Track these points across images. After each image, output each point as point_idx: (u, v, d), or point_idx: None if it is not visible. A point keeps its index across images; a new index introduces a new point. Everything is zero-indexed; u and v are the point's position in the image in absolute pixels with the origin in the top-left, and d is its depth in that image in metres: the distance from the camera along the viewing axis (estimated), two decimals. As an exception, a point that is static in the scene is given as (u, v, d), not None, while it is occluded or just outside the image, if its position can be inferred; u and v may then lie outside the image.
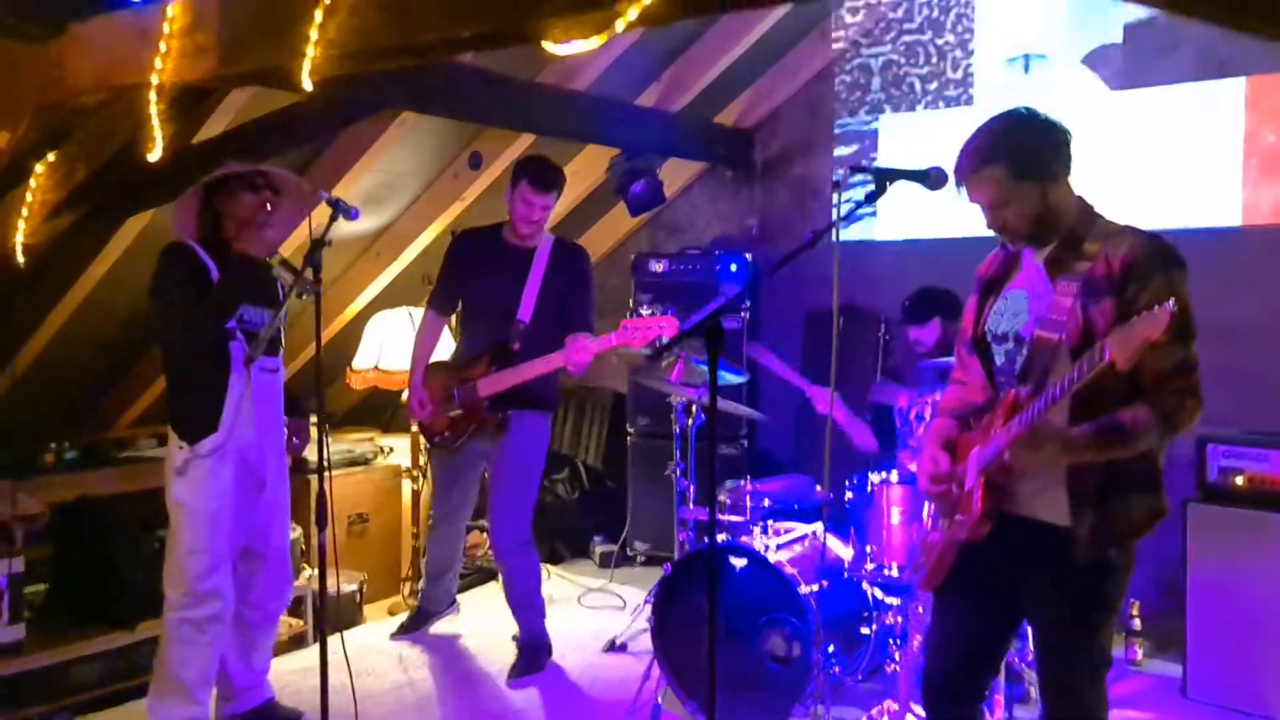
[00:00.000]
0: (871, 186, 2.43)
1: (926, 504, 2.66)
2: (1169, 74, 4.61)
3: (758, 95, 5.63)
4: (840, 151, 5.52)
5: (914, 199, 5.17)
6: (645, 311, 4.08)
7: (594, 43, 2.28)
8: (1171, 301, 1.94)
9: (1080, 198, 2.38)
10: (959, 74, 5.14)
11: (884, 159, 5.35)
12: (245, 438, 3.41)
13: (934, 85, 5.21)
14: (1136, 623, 4.16)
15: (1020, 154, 2.27)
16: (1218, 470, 3.82)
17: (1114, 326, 2.17)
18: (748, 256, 5.48)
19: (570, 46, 2.33)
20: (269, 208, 3.36)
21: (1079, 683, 2.37)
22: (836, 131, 5.53)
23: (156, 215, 4.02)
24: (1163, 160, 4.63)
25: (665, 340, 3.81)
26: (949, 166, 2.39)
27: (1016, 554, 2.38)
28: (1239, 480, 3.78)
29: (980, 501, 2.33)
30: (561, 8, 2.20)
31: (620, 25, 2.16)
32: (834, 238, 2.27)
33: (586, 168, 5.47)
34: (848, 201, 2.38)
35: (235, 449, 3.39)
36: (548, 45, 2.36)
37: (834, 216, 2.25)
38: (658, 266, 5.53)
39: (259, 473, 3.48)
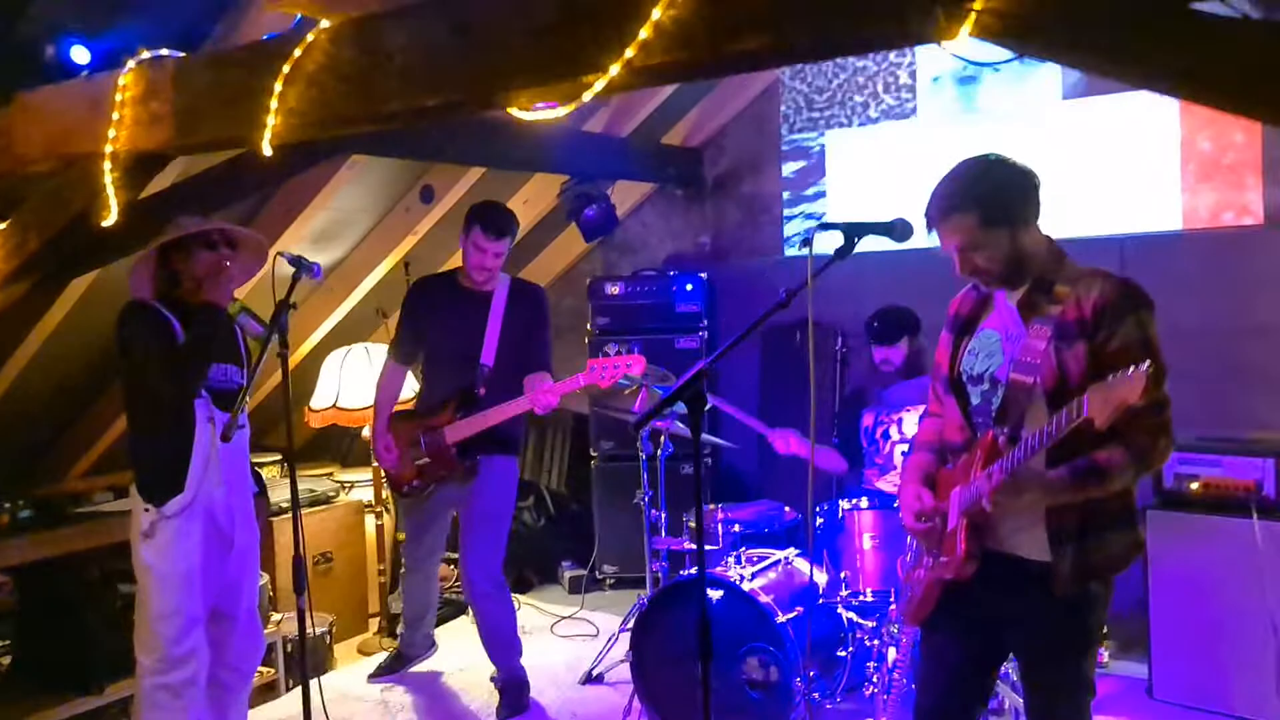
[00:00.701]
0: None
1: (909, 538, 2.69)
2: (1108, 84, 4.71)
3: (704, 114, 5.67)
4: (789, 167, 5.58)
5: (867, 211, 5.29)
6: (610, 350, 4.07)
7: (560, 111, 2.28)
8: (1147, 364, 2.00)
9: (1049, 239, 2.43)
10: (903, 88, 5.21)
11: (832, 175, 5.42)
12: (213, 497, 3.35)
13: (879, 100, 5.28)
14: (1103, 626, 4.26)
15: (990, 202, 2.31)
16: (1174, 477, 3.93)
17: (1087, 370, 2.24)
18: (703, 276, 5.51)
19: (538, 114, 2.33)
20: (226, 264, 3.33)
21: (1063, 711, 2.44)
22: (784, 148, 5.59)
23: (102, 273, 3.95)
24: (1105, 168, 4.74)
25: (636, 379, 3.84)
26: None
27: (1000, 588, 2.43)
28: (1194, 486, 3.88)
29: (964, 543, 2.38)
30: (529, 80, 2.20)
31: (588, 96, 2.16)
32: (809, 293, 2.27)
33: (537, 194, 5.47)
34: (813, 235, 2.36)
35: (203, 508, 3.32)
36: (515, 112, 2.35)
37: (808, 273, 2.26)
38: (614, 289, 5.54)
39: (227, 532, 3.42)
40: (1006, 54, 4.90)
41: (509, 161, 4.72)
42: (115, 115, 2.81)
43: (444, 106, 2.37)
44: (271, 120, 2.57)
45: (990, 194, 2.32)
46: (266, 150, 2.67)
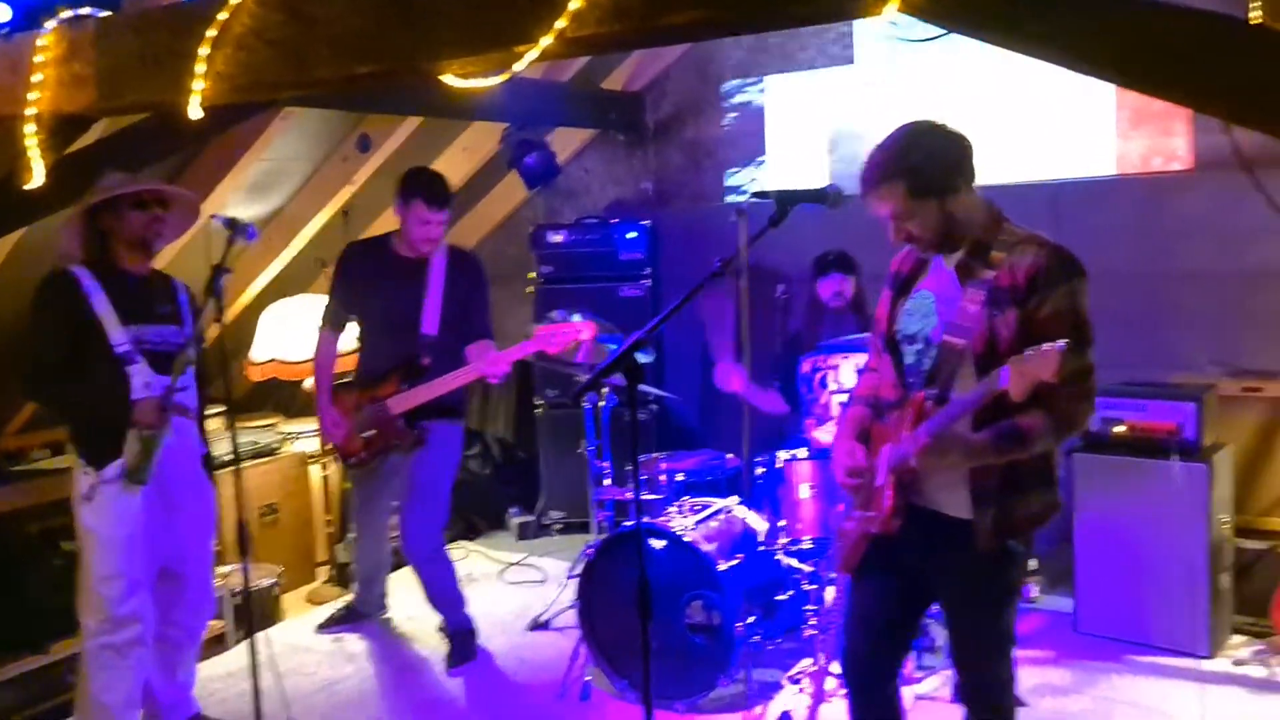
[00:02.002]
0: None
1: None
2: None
3: (645, 58, 5.62)
4: (731, 115, 5.57)
5: (806, 156, 5.30)
6: (556, 316, 4.06)
7: (493, 80, 2.27)
8: (1063, 342, 2.06)
9: (988, 203, 2.46)
10: (841, 34, 5.20)
11: (771, 120, 5.42)
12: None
13: (817, 45, 5.27)
14: (1033, 563, 4.42)
15: (918, 171, 2.34)
16: (1100, 420, 4.05)
17: (1016, 336, 2.30)
18: (646, 223, 5.51)
19: (471, 82, 2.31)
20: (158, 224, 3.28)
21: (988, 660, 2.56)
22: (725, 91, 5.57)
23: (29, 229, 3.86)
24: (1041, 114, 4.78)
25: (586, 356, 3.86)
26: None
27: (925, 542, 2.52)
28: (1119, 429, 4.01)
29: (891, 499, 2.46)
30: (460, 50, 2.18)
31: (520, 66, 2.15)
32: (743, 263, 2.30)
33: (476, 142, 5.41)
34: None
35: None
36: (447, 80, 2.33)
37: (739, 244, 2.28)
38: (557, 237, 5.52)
39: (172, 493, 3.41)
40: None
41: (447, 110, 4.65)
42: (36, 77, 2.73)
43: (375, 74, 2.34)
44: (199, 84, 2.52)
45: (919, 164, 2.34)
46: (195, 114, 2.62)
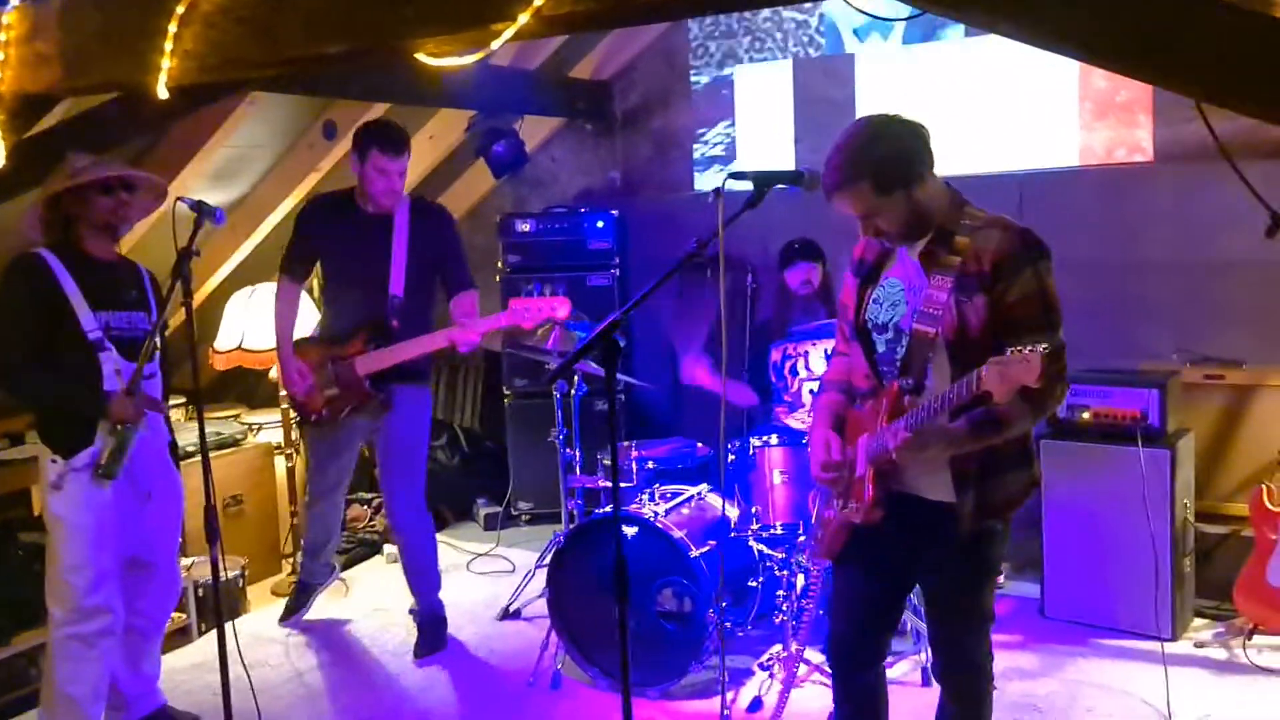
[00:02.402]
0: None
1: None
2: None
3: (613, 47, 5.60)
4: (700, 104, 5.57)
5: (770, 149, 5.32)
6: (532, 291, 4.06)
7: (467, 59, 2.25)
8: (1043, 347, 2.06)
9: (947, 186, 2.47)
10: (812, 23, 5.22)
11: (741, 109, 5.43)
12: None
13: (786, 34, 5.28)
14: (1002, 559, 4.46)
15: (881, 169, 2.32)
16: (1066, 407, 4.09)
17: (987, 322, 2.31)
18: (614, 213, 5.50)
19: (445, 61, 2.29)
20: (124, 208, 3.23)
21: (966, 638, 2.59)
22: (693, 81, 5.57)
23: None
24: (1005, 105, 4.82)
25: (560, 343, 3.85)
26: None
27: (906, 527, 2.53)
28: (1085, 415, 4.06)
29: (872, 490, 2.47)
30: (436, 28, 2.16)
31: (496, 44, 2.14)
32: (719, 244, 2.30)
33: (443, 130, 5.38)
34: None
35: None
36: (422, 58, 2.31)
37: (718, 224, 2.28)
38: (524, 226, 5.49)
39: (141, 482, 3.36)
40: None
41: (414, 97, 4.61)
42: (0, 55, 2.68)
43: (348, 53, 2.31)
44: (166, 63, 2.48)
45: (880, 161, 2.33)
46: (162, 93, 2.58)
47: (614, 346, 2.17)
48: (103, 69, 2.60)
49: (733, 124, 5.47)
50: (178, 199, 2.95)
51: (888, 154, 2.34)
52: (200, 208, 2.95)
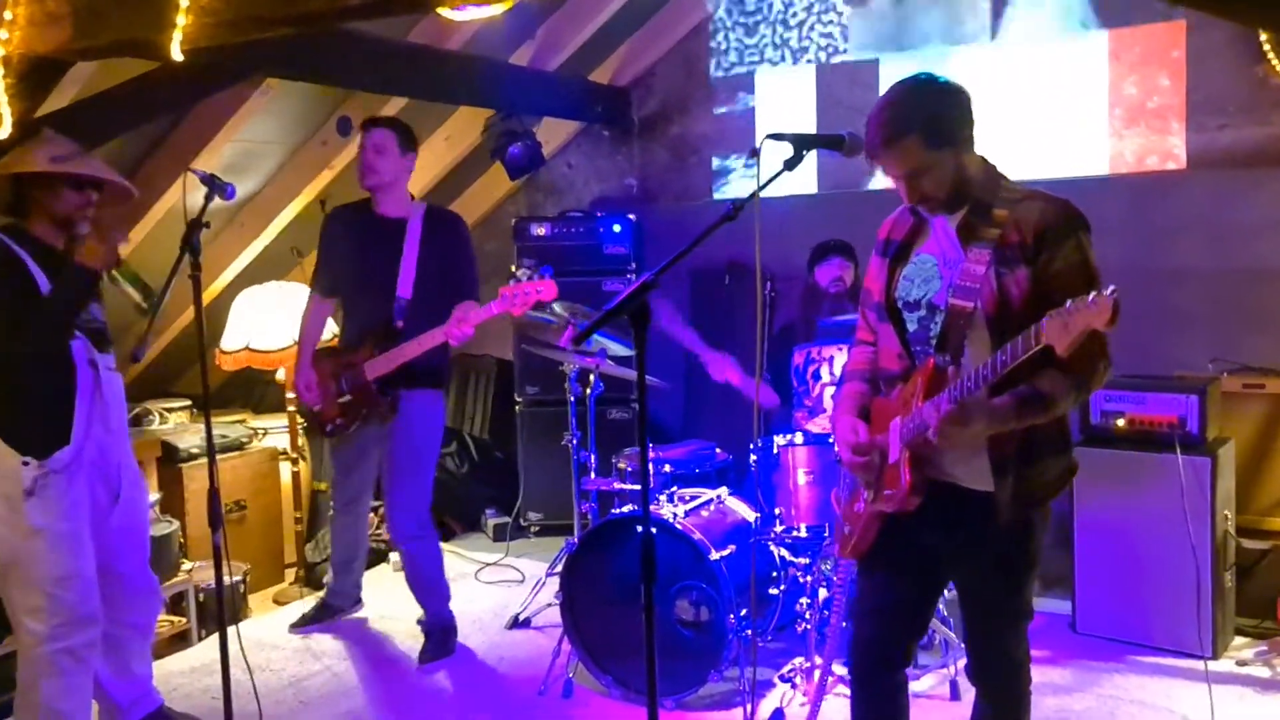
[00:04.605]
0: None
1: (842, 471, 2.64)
2: (1040, 29, 4.71)
3: (632, 52, 5.54)
4: (718, 110, 5.49)
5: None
6: (522, 275, 3.97)
7: (493, 10, 2.15)
8: (1113, 289, 1.95)
9: (984, 159, 2.38)
10: (833, 27, 5.15)
11: (761, 115, 5.34)
12: (100, 446, 3.10)
13: (808, 39, 5.20)
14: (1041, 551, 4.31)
15: (931, 122, 2.25)
16: (1100, 413, 3.97)
17: (1029, 294, 2.20)
18: (631, 218, 5.41)
19: (467, 13, 2.20)
20: (89, 208, 3.04)
21: (1004, 636, 2.45)
22: (712, 87, 5.49)
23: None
24: (1034, 113, 4.74)
25: (577, 325, 3.75)
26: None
27: (939, 518, 2.39)
28: (1120, 422, 3.93)
29: (909, 475, 2.33)
30: (463, -26, 2.06)
31: (525, -8, 2.03)
32: (756, 205, 2.19)
33: (460, 131, 5.30)
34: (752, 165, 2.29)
35: (89, 459, 3.06)
36: (444, 12, 2.21)
37: (757, 183, 2.17)
38: (539, 230, 5.40)
39: (114, 482, 3.18)
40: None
41: (432, 91, 4.53)
42: (7, 14, 2.58)
43: (367, 6, 2.21)
44: (181, 20, 2.38)
45: (931, 114, 2.26)
46: (175, 54, 2.49)
47: (645, 309, 2.04)
48: (116, 27, 2.50)
49: (753, 127, 5.38)
50: (190, 169, 2.85)
51: (938, 108, 2.26)
52: (212, 181, 2.86)
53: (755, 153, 2.25)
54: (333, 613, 4.42)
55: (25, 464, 2.95)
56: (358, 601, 4.49)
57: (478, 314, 3.82)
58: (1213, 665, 3.67)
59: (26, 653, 3.04)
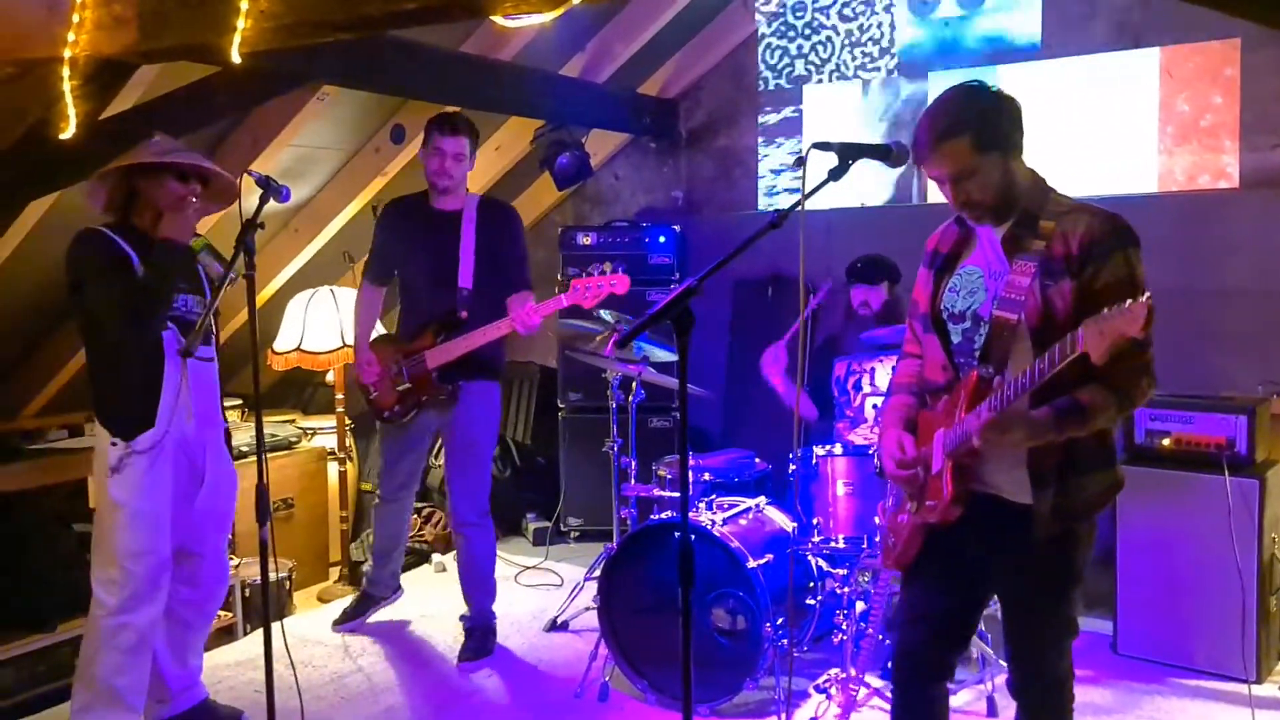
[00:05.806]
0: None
1: (888, 483, 2.64)
2: (1086, 44, 4.69)
3: (681, 65, 5.58)
4: (765, 121, 5.51)
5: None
6: (594, 271, 4.04)
7: (546, 17, 2.20)
8: (1147, 295, 1.95)
9: (1034, 171, 2.39)
10: (882, 43, 5.16)
11: (808, 129, 5.36)
12: (184, 430, 3.25)
13: (857, 54, 5.22)
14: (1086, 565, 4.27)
15: (982, 125, 2.26)
16: (1145, 432, 3.93)
17: (1073, 307, 2.20)
18: (676, 228, 5.44)
19: (521, 21, 2.24)
20: (193, 200, 3.19)
21: (1047, 651, 2.43)
22: (761, 102, 5.52)
23: (63, 194, 3.80)
24: (1082, 129, 4.71)
25: (623, 323, 3.78)
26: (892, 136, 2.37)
27: (982, 531, 2.39)
28: (1165, 442, 3.88)
29: (950, 485, 2.33)
30: (515, -19, 2.11)
31: (576, 0, 2.08)
32: (800, 214, 2.21)
33: (510, 140, 5.37)
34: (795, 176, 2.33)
35: (174, 442, 3.23)
36: (498, 20, 2.26)
37: (802, 192, 2.20)
38: (585, 239, 5.46)
39: (199, 467, 3.33)
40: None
41: (484, 101, 4.59)
42: (75, 18, 2.67)
43: (425, 10, 2.27)
44: (241, 24, 2.46)
45: (982, 118, 2.27)
46: (235, 57, 2.56)
47: (688, 315, 2.07)
48: (178, 31, 2.58)
49: (800, 142, 5.40)
50: (246, 171, 2.94)
51: (989, 111, 2.29)
52: (268, 182, 2.93)
53: (800, 160, 2.27)
54: (373, 602, 4.46)
55: (114, 444, 3.15)
56: (397, 589, 4.53)
57: (546, 305, 3.87)
58: (1256, 689, 3.61)
59: (93, 625, 3.19)
